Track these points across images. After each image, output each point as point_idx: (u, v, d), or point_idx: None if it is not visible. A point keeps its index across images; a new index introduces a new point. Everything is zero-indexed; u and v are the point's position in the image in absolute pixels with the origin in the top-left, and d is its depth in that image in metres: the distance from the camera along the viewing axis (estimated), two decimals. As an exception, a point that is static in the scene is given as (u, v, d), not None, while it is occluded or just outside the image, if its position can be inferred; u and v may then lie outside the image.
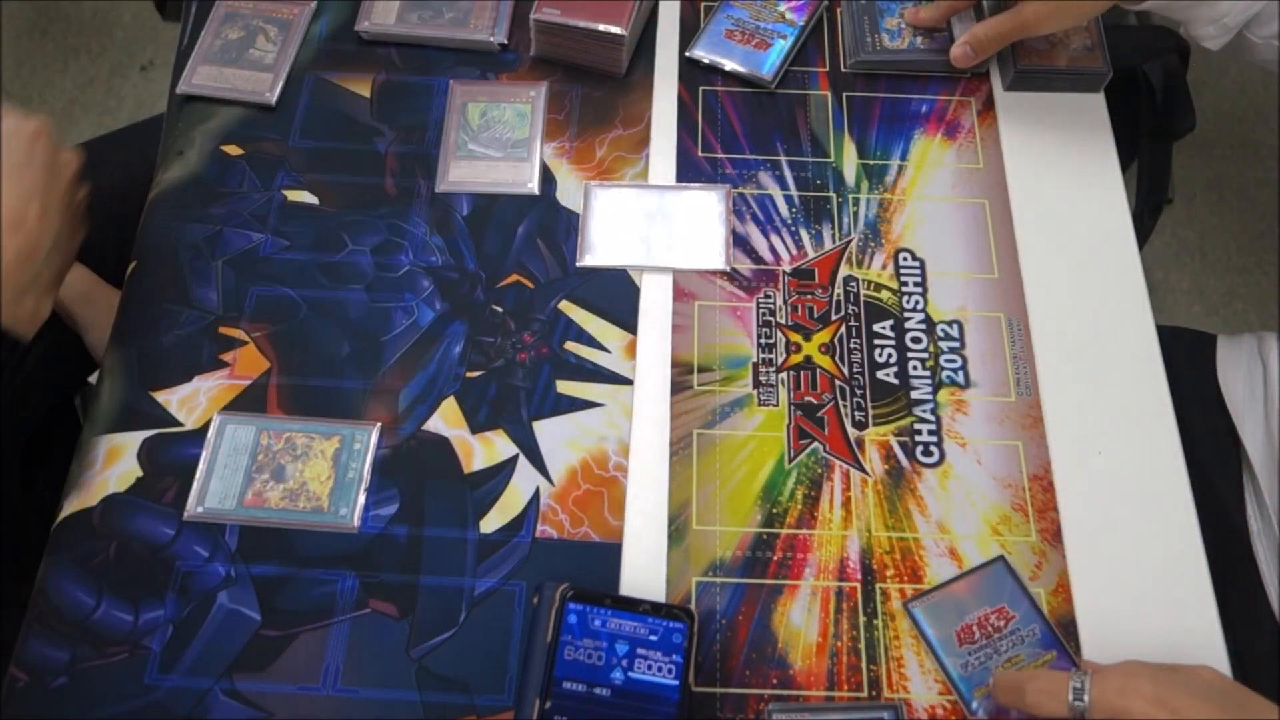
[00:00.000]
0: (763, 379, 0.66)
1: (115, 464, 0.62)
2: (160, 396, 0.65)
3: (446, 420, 0.64)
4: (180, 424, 0.64)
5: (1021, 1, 0.71)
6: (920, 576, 0.60)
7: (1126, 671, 0.50)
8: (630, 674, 0.53)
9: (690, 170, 0.73)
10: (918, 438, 0.64)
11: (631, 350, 0.67)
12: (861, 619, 0.59)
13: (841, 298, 0.69)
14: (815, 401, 0.65)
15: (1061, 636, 0.57)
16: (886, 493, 0.62)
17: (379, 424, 0.64)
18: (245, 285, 0.69)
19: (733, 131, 0.75)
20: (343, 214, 0.72)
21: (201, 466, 0.62)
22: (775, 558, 0.60)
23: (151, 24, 1.79)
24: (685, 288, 0.69)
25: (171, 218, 0.71)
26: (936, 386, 0.66)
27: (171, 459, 0.63)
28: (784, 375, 0.66)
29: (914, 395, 0.66)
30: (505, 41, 0.78)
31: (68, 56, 1.76)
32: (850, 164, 0.74)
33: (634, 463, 0.63)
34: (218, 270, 0.69)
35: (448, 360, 0.66)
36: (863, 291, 0.69)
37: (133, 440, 0.63)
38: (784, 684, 0.57)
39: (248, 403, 0.64)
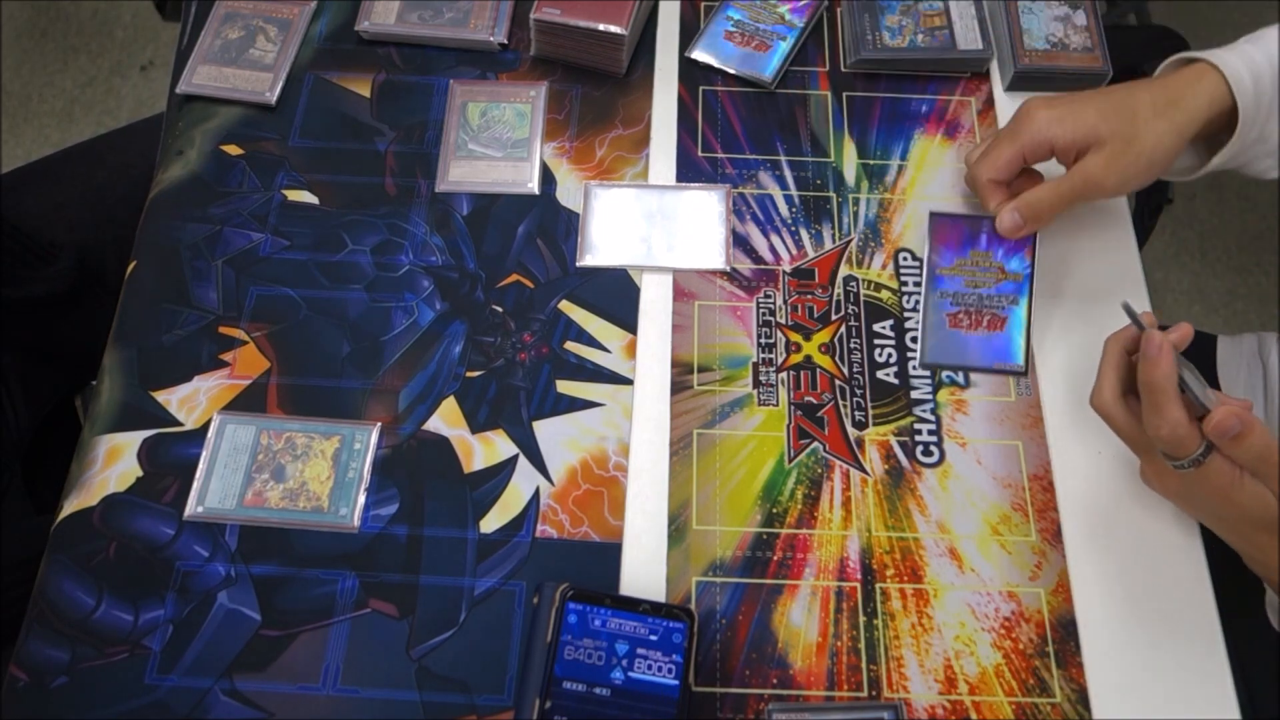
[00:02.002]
0: (763, 379, 0.66)
1: (115, 464, 0.62)
2: (160, 396, 0.65)
3: (446, 420, 0.64)
4: (180, 424, 0.64)
5: (1080, 161, 0.62)
6: (920, 576, 0.60)
7: None
8: (630, 674, 0.53)
9: (690, 170, 0.73)
10: (918, 438, 0.64)
11: (631, 350, 0.67)
12: (861, 619, 0.59)
13: (841, 297, 0.69)
14: (815, 401, 0.65)
15: None
16: (886, 492, 0.62)
17: (379, 424, 0.64)
18: (245, 285, 0.69)
19: (733, 131, 0.75)
20: (343, 214, 0.72)
21: (201, 466, 0.62)
22: (775, 558, 0.60)
23: (151, 24, 1.79)
24: (685, 288, 0.69)
25: (171, 218, 0.71)
26: (936, 386, 0.66)
27: (171, 459, 0.63)
28: (784, 375, 0.66)
29: (914, 395, 0.66)
30: (505, 41, 0.78)
31: (68, 56, 1.76)
32: (850, 164, 0.74)
33: (634, 463, 0.63)
34: (218, 270, 0.69)
35: (448, 360, 0.66)
36: (863, 291, 0.69)
37: (133, 440, 0.63)
38: (784, 684, 0.57)
39: (248, 402, 0.64)
